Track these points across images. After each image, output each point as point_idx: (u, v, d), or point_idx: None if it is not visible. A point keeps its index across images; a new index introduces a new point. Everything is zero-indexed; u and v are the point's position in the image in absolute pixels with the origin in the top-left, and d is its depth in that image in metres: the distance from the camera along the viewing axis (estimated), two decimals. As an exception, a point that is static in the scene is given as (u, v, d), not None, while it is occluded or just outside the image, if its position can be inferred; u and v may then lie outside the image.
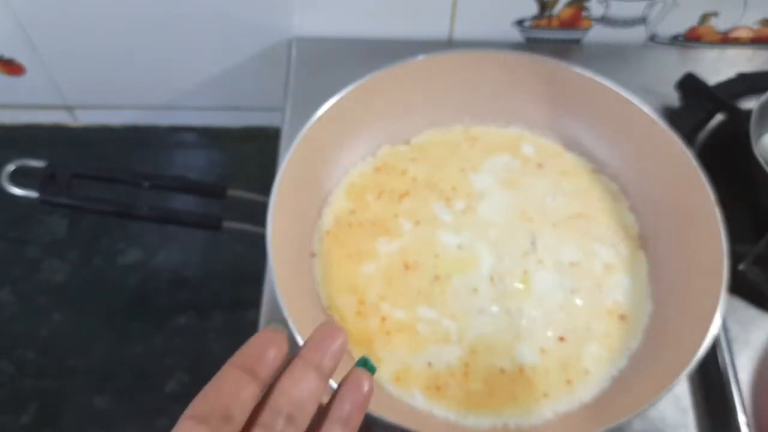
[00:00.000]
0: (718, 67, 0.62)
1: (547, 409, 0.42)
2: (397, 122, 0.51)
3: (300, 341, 0.38)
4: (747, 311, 0.49)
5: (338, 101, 0.47)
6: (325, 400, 0.25)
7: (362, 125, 0.50)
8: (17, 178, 0.54)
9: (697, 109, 0.55)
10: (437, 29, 0.64)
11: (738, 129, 0.51)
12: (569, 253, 0.47)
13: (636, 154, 0.49)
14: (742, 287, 0.48)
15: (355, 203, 0.49)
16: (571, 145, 0.52)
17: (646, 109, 0.47)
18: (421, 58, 0.50)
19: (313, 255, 0.47)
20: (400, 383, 0.42)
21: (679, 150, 0.45)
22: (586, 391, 0.42)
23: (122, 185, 0.57)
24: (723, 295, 0.40)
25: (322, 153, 0.48)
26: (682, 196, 0.45)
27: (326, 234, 0.47)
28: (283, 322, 0.38)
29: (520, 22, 0.63)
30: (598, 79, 0.48)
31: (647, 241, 0.47)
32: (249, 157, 0.79)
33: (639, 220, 0.48)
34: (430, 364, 0.43)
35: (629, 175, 0.49)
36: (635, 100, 0.47)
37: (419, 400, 0.42)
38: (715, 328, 0.39)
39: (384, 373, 0.43)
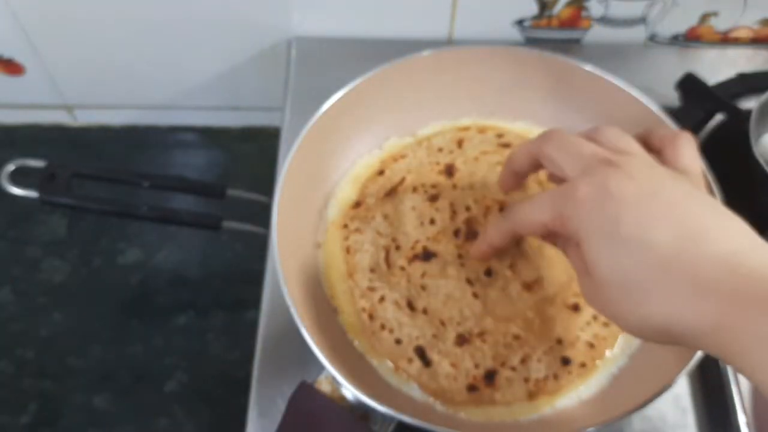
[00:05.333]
0: (718, 67, 0.63)
1: (545, 405, 0.42)
2: (404, 115, 0.51)
3: (302, 330, 0.38)
4: (747, 311, 0.49)
5: (346, 94, 0.47)
6: None
7: (370, 118, 0.50)
8: (17, 177, 0.54)
9: (696, 109, 0.55)
10: (437, 29, 0.64)
11: (738, 129, 0.51)
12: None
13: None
14: (742, 287, 0.48)
15: (360, 195, 0.49)
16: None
17: (654, 108, 0.47)
18: (428, 53, 0.50)
19: (317, 245, 0.47)
20: (399, 373, 0.42)
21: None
22: (586, 388, 0.42)
23: (122, 185, 0.57)
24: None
25: (329, 145, 0.48)
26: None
27: (331, 224, 0.48)
28: (286, 314, 0.38)
29: (520, 22, 0.63)
30: (607, 77, 0.48)
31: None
32: (249, 157, 0.79)
33: None
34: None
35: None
36: (643, 99, 0.47)
37: (417, 392, 0.42)
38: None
39: (383, 363, 0.43)
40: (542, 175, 0.49)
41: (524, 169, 0.38)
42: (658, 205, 0.30)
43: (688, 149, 0.35)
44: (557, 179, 0.35)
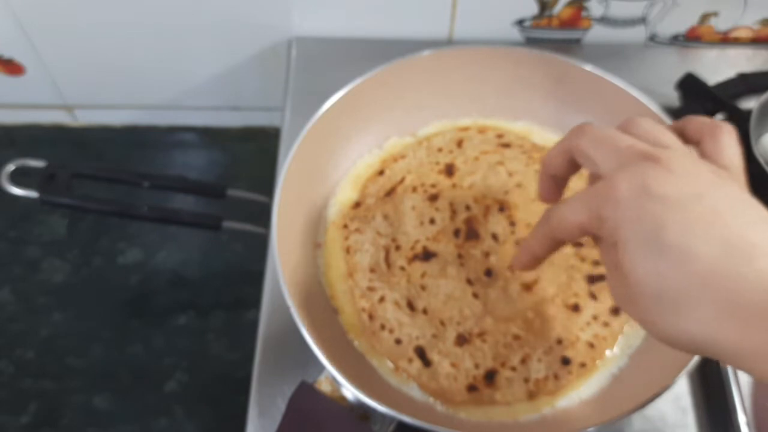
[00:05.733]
0: (718, 67, 0.63)
1: (545, 405, 0.42)
2: (404, 115, 0.51)
3: (302, 330, 0.38)
4: (747, 311, 0.49)
5: (346, 94, 0.47)
6: None
7: (370, 118, 0.50)
8: (17, 178, 0.54)
9: (697, 109, 0.55)
10: (437, 29, 0.64)
11: (738, 129, 0.51)
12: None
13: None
14: (742, 287, 0.48)
15: (361, 195, 0.49)
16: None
17: (654, 108, 0.47)
18: (428, 53, 0.50)
19: (317, 245, 0.47)
20: (399, 373, 0.42)
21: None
22: (586, 388, 0.42)
23: (122, 185, 0.57)
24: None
25: (329, 145, 0.48)
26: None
27: (331, 224, 0.48)
28: (286, 314, 0.38)
29: (520, 22, 0.63)
30: (607, 76, 0.48)
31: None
32: (249, 157, 0.79)
33: None
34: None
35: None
36: (643, 99, 0.47)
37: (417, 392, 0.42)
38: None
39: (383, 363, 0.43)
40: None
41: (561, 171, 0.35)
42: (703, 211, 0.27)
43: (729, 142, 0.32)
44: (596, 179, 0.32)
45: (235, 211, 0.58)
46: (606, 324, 0.44)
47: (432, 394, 0.42)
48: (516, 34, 0.65)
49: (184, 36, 0.66)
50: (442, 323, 0.43)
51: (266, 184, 0.48)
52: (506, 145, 0.51)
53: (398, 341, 0.43)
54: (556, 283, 0.45)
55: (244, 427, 0.44)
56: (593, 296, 0.45)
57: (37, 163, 0.54)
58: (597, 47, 0.65)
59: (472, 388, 0.42)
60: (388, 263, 0.45)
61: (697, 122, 0.34)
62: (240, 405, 0.45)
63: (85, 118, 0.78)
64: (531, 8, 0.62)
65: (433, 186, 0.48)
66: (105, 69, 0.70)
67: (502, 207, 0.47)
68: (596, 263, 0.46)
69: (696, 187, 0.28)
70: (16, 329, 0.75)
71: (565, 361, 0.43)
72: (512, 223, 0.47)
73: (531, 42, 0.65)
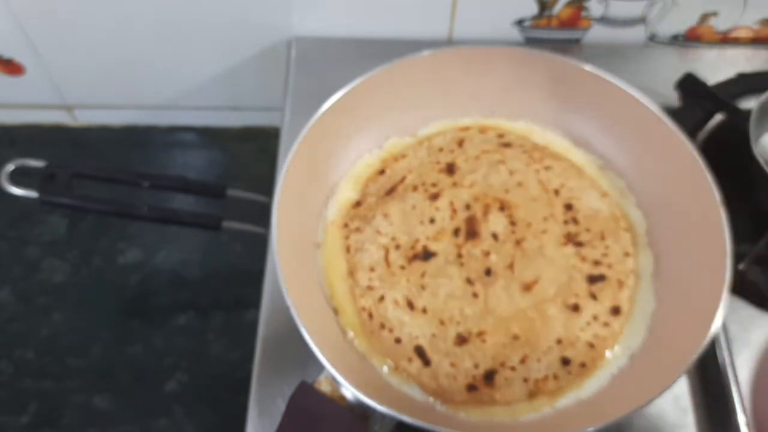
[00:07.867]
0: (718, 67, 0.62)
1: (545, 405, 0.42)
2: (404, 115, 0.51)
3: (302, 330, 0.38)
4: (747, 311, 0.49)
5: (346, 94, 0.47)
6: None
7: (370, 117, 0.50)
8: (17, 177, 0.54)
9: (696, 109, 0.55)
10: (437, 29, 0.64)
11: (737, 129, 0.51)
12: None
13: (643, 152, 0.49)
14: (742, 287, 0.48)
15: (361, 194, 0.49)
16: (579, 140, 0.52)
17: (654, 108, 0.47)
18: (428, 53, 0.50)
19: (317, 245, 0.47)
20: (399, 374, 0.42)
21: (685, 149, 0.45)
22: (586, 388, 0.42)
23: (122, 185, 0.57)
24: (725, 295, 0.40)
25: (329, 145, 0.48)
26: (687, 195, 0.45)
27: (331, 224, 0.48)
28: (286, 314, 0.38)
29: (520, 22, 0.63)
30: (607, 76, 0.48)
31: (653, 239, 0.47)
32: (249, 157, 0.79)
33: (646, 217, 0.48)
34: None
35: (636, 173, 0.49)
36: (643, 99, 0.47)
37: (417, 392, 0.42)
38: (715, 328, 0.39)
39: (382, 363, 0.43)
40: (543, 176, 0.49)
41: None
42: None
43: None
44: None
45: (235, 211, 0.58)
46: (606, 324, 0.44)
47: (432, 394, 0.42)
48: (516, 34, 0.65)
49: (184, 36, 0.66)
50: (442, 323, 0.43)
51: (266, 184, 0.48)
52: (507, 145, 0.51)
53: (398, 340, 0.43)
54: (556, 283, 0.45)
55: (244, 427, 0.44)
56: (593, 296, 0.45)
57: (37, 163, 0.54)
58: (597, 47, 0.65)
59: (471, 388, 0.42)
60: (388, 262, 0.45)
61: None
62: (240, 405, 0.45)
63: (84, 118, 0.78)
64: (531, 8, 0.62)
65: (433, 185, 0.48)
66: (105, 69, 0.70)
67: (503, 206, 0.47)
68: (596, 263, 0.46)
69: None
70: (16, 329, 0.75)
71: (565, 362, 0.43)
72: (512, 223, 0.47)
73: (531, 42, 0.65)
